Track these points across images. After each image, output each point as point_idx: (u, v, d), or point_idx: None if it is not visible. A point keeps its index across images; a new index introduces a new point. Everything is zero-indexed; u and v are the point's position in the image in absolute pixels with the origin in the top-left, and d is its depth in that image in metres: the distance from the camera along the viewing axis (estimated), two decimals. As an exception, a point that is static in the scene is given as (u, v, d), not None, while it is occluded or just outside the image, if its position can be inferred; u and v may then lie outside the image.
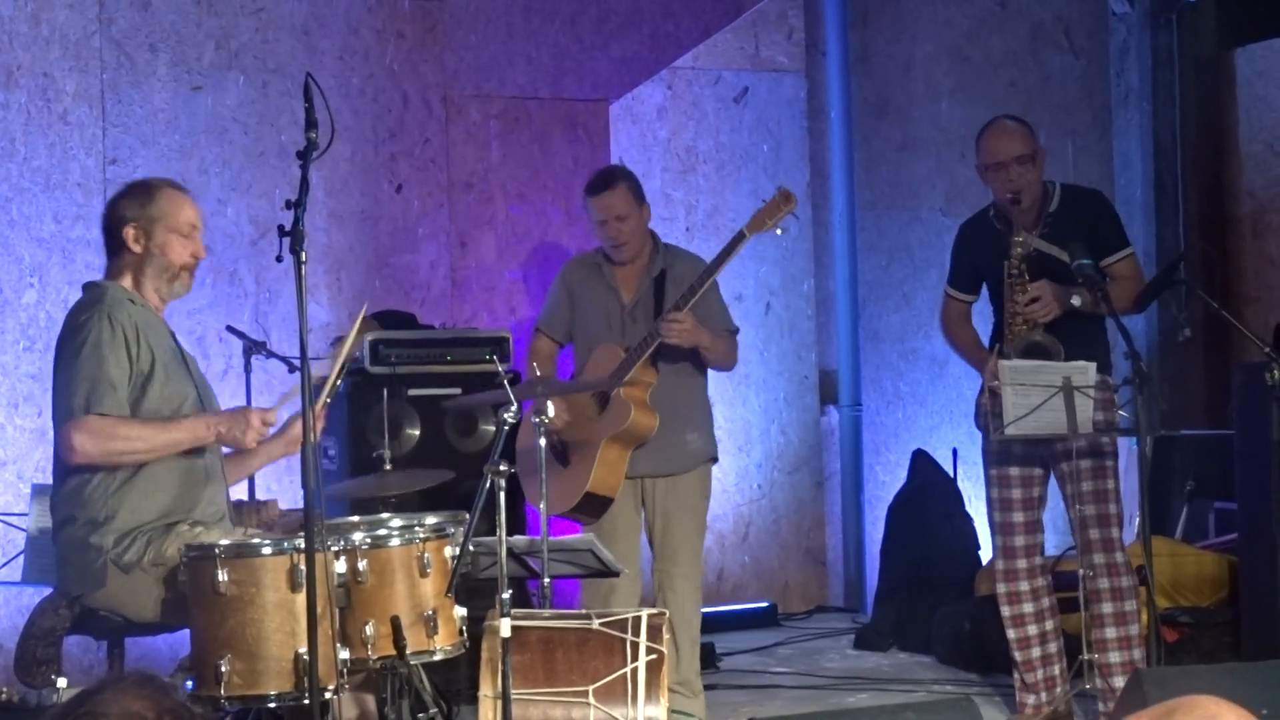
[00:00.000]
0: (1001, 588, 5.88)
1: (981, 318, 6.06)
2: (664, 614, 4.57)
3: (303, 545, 4.10)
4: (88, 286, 4.86)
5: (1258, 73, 7.46)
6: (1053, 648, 5.87)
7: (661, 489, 6.10)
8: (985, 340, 5.98)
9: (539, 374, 5.40)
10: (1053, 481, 5.87)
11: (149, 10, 6.97)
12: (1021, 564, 5.84)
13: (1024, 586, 5.85)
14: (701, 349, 6.02)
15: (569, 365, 6.50)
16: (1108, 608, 5.71)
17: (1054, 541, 6.17)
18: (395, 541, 4.41)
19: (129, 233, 4.75)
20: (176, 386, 4.72)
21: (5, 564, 6.05)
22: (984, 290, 6.02)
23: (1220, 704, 2.39)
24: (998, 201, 5.83)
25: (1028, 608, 5.85)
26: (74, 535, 4.64)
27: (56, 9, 6.81)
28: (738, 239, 5.89)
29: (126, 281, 4.77)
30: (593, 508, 5.98)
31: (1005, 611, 5.87)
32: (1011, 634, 5.87)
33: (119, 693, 2.17)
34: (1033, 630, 5.85)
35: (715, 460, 6.24)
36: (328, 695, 4.18)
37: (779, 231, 5.97)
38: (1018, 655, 5.86)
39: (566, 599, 6.77)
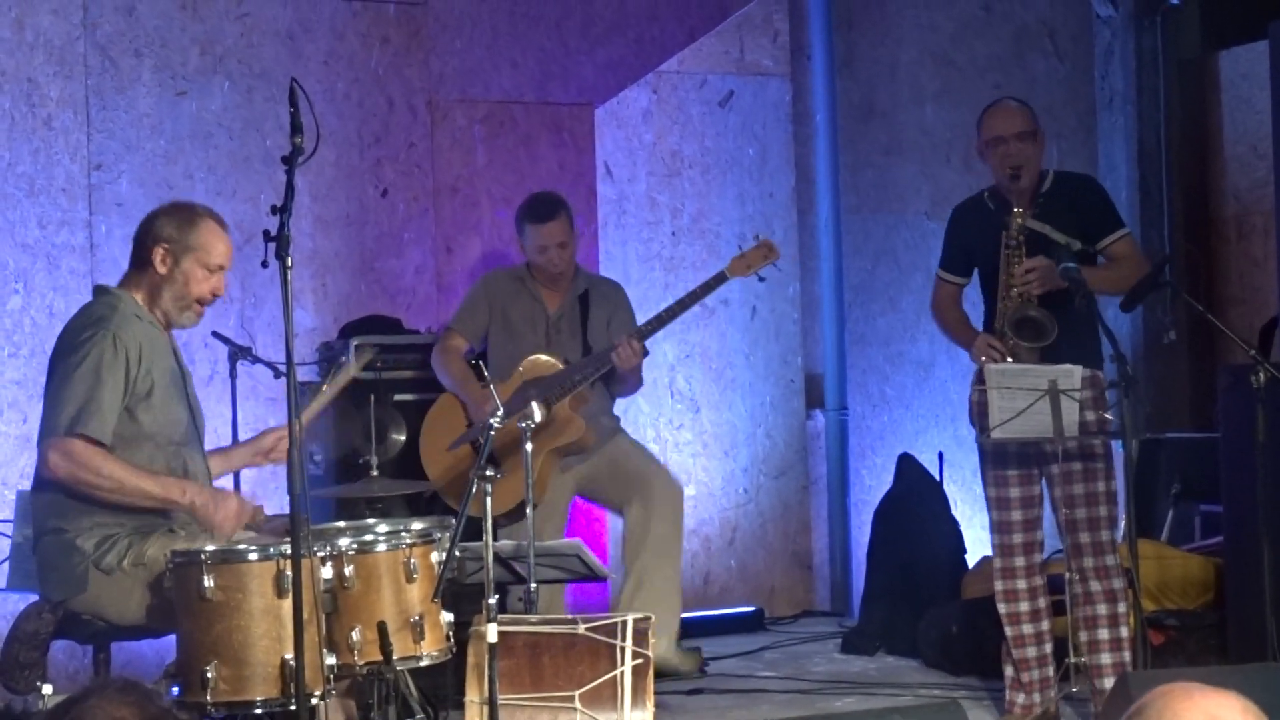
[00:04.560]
0: (999, 585, 5.85)
1: (975, 311, 6.05)
2: (649, 618, 4.57)
3: (289, 551, 4.10)
4: (99, 291, 4.85)
5: (1242, 75, 7.47)
6: (1047, 648, 5.86)
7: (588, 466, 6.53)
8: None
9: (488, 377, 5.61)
10: (1045, 482, 5.87)
11: (133, 15, 6.95)
12: (1020, 562, 5.83)
13: (1021, 585, 5.83)
14: (630, 373, 6.40)
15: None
16: (1102, 609, 5.71)
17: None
18: (382, 547, 4.41)
19: (158, 252, 4.74)
20: (172, 410, 4.73)
21: (-10, 571, 6.03)
22: (975, 278, 6.01)
23: (1204, 697, 2.20)
24: (996, 178, 5.83)
25: (1024, 606, 5.83)
26: (56, 542, 4.63)
27: (40, 14, 6.79)
28: (718, 279, 6.24)
29: (140, 296, 4.77)
30: (520, 512, 6.05)
31: (1001, 609, 5.85)
32: (1008, 631, 5.84)
33: (104, 700, 2.17)
34: (1028, 629, 5.84)
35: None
36: (314, 701, 4.18)
37: (759, 279, 6.23)
38: (1013, 653, 5.85)
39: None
